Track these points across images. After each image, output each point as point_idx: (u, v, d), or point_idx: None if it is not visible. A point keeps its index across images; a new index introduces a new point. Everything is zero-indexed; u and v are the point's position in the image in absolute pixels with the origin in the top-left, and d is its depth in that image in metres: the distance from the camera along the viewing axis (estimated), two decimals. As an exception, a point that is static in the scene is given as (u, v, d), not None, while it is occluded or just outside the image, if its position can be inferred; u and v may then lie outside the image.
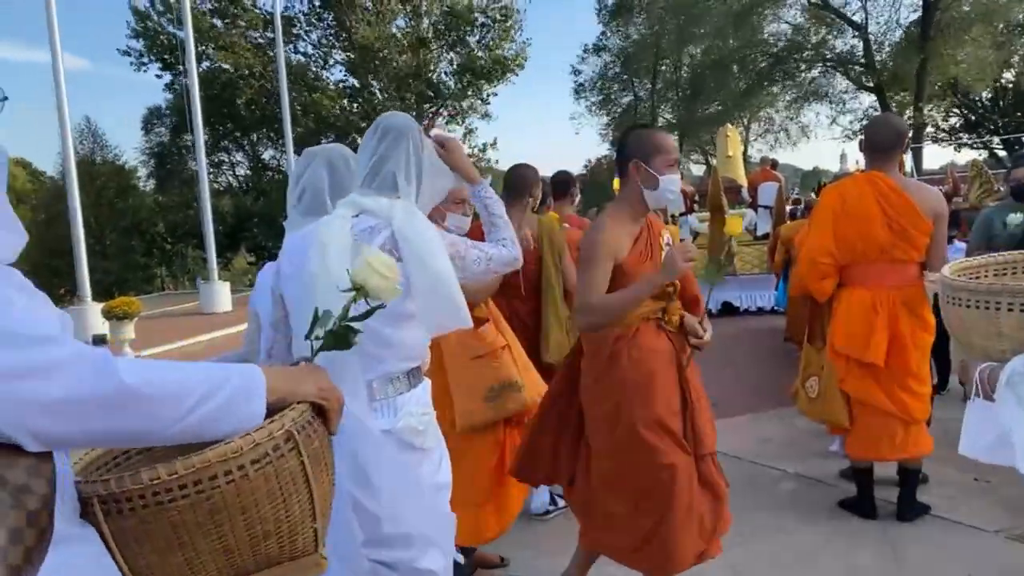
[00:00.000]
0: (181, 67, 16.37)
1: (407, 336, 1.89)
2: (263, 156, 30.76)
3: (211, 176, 24.31)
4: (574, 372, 2.65)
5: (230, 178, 31.78)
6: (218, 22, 26.18)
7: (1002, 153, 30.10)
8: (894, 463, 3.55)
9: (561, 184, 4.45)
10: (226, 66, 25.47)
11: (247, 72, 25.50)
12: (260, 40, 26.12)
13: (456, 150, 2.16)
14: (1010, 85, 30.39)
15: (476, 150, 28.88)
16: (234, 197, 30.21)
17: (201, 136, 15.31)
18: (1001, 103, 31.43)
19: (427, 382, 2.02)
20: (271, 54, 20.90)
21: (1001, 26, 26.24)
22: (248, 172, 31.38)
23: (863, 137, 3.53)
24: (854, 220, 3.32)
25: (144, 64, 26.74)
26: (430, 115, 27.62)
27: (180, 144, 29.00)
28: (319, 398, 1.18)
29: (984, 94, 31.13)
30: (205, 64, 25.61)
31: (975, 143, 30.18)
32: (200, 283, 15.45)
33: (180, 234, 27.66)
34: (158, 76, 27.34)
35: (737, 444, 4.74)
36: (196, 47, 17.03)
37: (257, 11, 26.30)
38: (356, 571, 1.75)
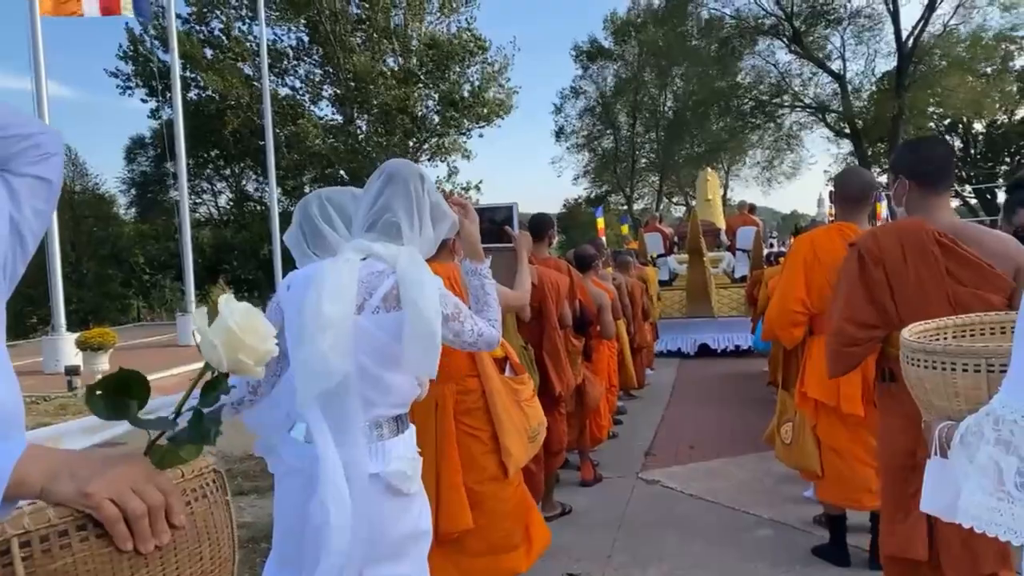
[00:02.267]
0: (168, 93, 16.28)
1: (400, 380, 1.90)
2: (246, 187, 30.76)
3: (192, 204, 24.20)
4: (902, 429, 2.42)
5: (211, 208, 31.70)
6: (208, 52, 26.38)
7: (974, 201, 30.79)
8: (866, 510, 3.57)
9: (538, 226, 4.51)
10: (212, 93, 25.57)
11: (234, 102, 25.61)
12: (248, 72, 26.30)
13: (475, 223, 2.16)
14: (981, 136, 31.24)
15: (460, 189, 29.04)
16: (214, 229, 30.03)
17: (184, 162, 15.28)
18: (972, 151, 32.25)
19: (412, 428, 2.01)
20: (258, 85, 21.01)
21: (971, 79, 27.03)
22: (229, 203, 31.33)
23: (832, 189, 3.61)
24: (826, 269, 3.36)
25: (130, 88, 26.87)
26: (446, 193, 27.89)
27: (162, 173, 28.93)
28: (82, 505, 0.85)
29: (956, 144, 32.00)
30: (194, 92, 25.69)
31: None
32: (178, 315, 15.27)
33: (158, 265, 27.39)
34: (144, 101, 27.47)
35: (712, 488, 4.76)
36: (185, 73, 17.01)
37: (247, 43, 26.52)
38: None
